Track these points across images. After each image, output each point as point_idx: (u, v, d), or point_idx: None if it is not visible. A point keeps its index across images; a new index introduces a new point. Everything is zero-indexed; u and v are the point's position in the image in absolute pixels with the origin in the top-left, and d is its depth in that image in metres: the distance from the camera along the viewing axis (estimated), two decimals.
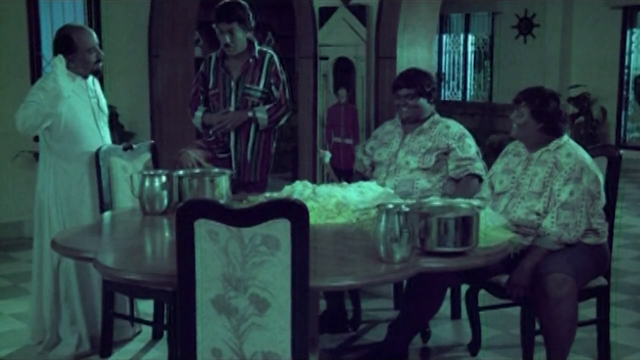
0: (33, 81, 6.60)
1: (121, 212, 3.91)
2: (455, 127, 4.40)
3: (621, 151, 3.89)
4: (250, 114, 4.74)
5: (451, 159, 4.31)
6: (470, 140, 4.36)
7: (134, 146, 4.31)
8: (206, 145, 4.82)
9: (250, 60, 4.77)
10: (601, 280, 3.78)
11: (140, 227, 3.62)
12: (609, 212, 3.79)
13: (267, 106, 4.77)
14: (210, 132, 4.85)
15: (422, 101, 4.37)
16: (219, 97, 4.79)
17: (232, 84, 4.76)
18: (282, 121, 4.88)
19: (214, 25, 4.71)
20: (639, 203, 8.23)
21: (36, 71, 6.65)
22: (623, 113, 10.91)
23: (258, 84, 4.77)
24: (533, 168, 3.69)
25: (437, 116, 4.45)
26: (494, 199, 3.80)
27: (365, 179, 4.48)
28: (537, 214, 3.61)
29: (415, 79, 4.37)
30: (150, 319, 4.23)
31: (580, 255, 3.57)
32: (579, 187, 3.53)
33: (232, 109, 4.77)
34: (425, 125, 4.40)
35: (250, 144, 4.81)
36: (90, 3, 6.92)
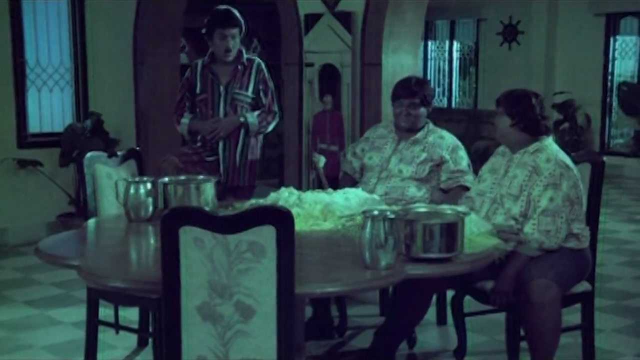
0: (17, 88, 6.59)
1: (106, 219, 3.88)
2: (449, 138, 4.41)
3: (605, 157, 3.90)
4: (242, 119, 4.76)
5: (444, 170, 4.32)
6: (462, 152, 4.37)
7: (119, 153, 4.29)
8: (192, 151, 4.82)
9: (239, 67, 4.78)
10: (585, 286, 3.78)
11: (125, 234, 3.60)
12: (593, 217, 3.80)
13: (256, 112, 4.80)
14: (198, 138, 4.84)
15: (423, 110, 4.37)
16: (207, 102, 4.80)
17: (221, 89, 4.77)
18: (270, 128, 4.92)
19: (216, 31, 4.70)
20: (624, 209, 8.28)
21: (20, 78, 6.64)
22: (607, 119, 10.95)
23: (247, 90, 4.81)
24: (513, 170, 3.69)
25: (431, 125, 4.45)
26: (477, 197, 3.80)
27: (354, 181, 4.49)
28: (515, 218, 3.61)
29: (419, 88, 4.35)
30: (135, 326, 4.20)
31: (563, 260, 3.57)
32: (558, 193, 3.53)
33: (221, 114, 4.78)
34: (420, 134, 4.39)
35: (239, 149, 4.84)
36: (74, 10, 6.90)
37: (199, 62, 4.90)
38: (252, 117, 4.80)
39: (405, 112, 4.34)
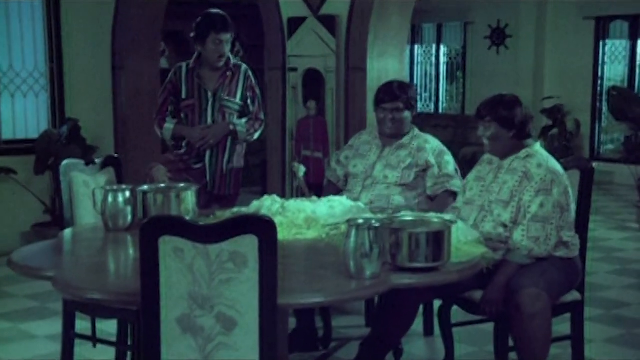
0: None
1: (83, 229, 3.82)
2: (435, 142, 4.38)
3: (595, 164, 3.89)
4: (231, 126, 4.74)
5: (429, 176, 4.28)
6: (449, 157, 4.34)
7: (97, 160, 4.21)
8: (178, 158, 4.75)
9: (228, 73, 4.74)
10: (575, 295, 3.75)
11: (103, 244, 3.55)
12: (583, 225, 3.77)
13: (244, 119, 4.79)
14: (183, 144, 4.77)
15: (407, 114, 4.32)
16: (194, 108, 4.75)
17: (209, 95, 4.72)
18: (256, 136, 4.93)
19: (211, 36, 4.63)
20: (614, 216, 8.28)
21: None
22: (597, 125, 10.97)
23: (235, 97, 4.80)
24: (503, 176, 3.67)
25: (416, 131, 4.41)
26: (464, 207, 3.77)
27: (338, 190, 4.43)
28: (504, 225, 3.57)
29: (402, 92, 4.31)
30: (114, 339, 4.11)
31: (553, 269, 3.54)
32: (549, 199, 3.51)
33: (209, 120, 4.75)
34: (405, 139, 4.35)
35: (226, 156, 4.84)
36: (49, 11, 6.79)
37: (183, 65, 4.84)
38: (241, 125, 4.78)
39: (389, 116, 4.30)
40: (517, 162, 3.65)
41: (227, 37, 4.68)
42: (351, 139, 4.65)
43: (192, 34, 4.78)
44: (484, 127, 3.70)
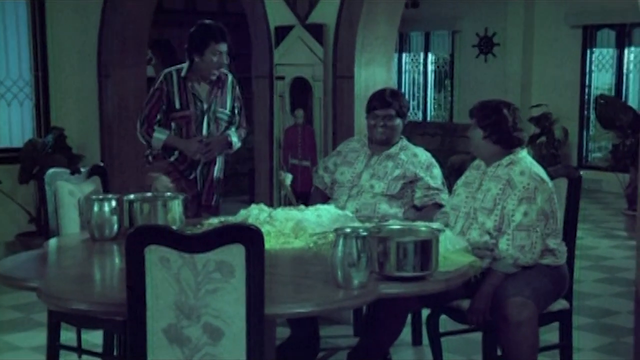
0: None
1: (68, 239, 3.79)
2: (423, 155, 4.38)
3: (583, 172, 3.88)
4: (228, 138, 4.78)
5: (419, 187, 4.27)
6: (437, 171, 4.35)
7: (83, 169, 4.18)
8: (172, 167, 4.72)
9: (219, 84, 4.76)
10: (563, 304, 3.75)
11: (89, 254, 3.52)
12: (570, 233, 3.77)
13: (234, 129, 4.83)
14: (174, 153, 4.73)
15: (399, 122, 4.32)
16: (189, 120, 4.69)
17: (205, 106, 4.70)
18: (239, 145, 4.94)
19: (210, 46, 4.61)
20: (602, 224, 8.29)
21: None
22: (585, 133, 11.00)
23: (225, 108, 4.82)
24: (487, 183, 3.66)
25: (405, 142, 4.42)
26: (451, 212, 3.77)
27: (326, 196, 4.41)
28: (489, 233, 3.56)
29: (394, 99, 4.32)
30: (99, 350, 4.08)
31: (540, 277, 3.53)
32: (533, 207, 3.50)
33: (204, 132, 4.74)
34: (393, 150, 4.35)
35: (217, 167, 4.87)
36: (34, 19, 6.75)
37: (173, 73, 4.77)
38: (235, 136, 4.82)
39: (380, 123, 4.30)
40: (501, 170, 3.64)
41: (225, 47, 4.67)
42: (339, 145, 4.65)
43: (186, 45, 4.72)
44: (471, 128, 3.72)
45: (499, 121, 3.63)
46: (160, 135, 4.71)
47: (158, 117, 4.72)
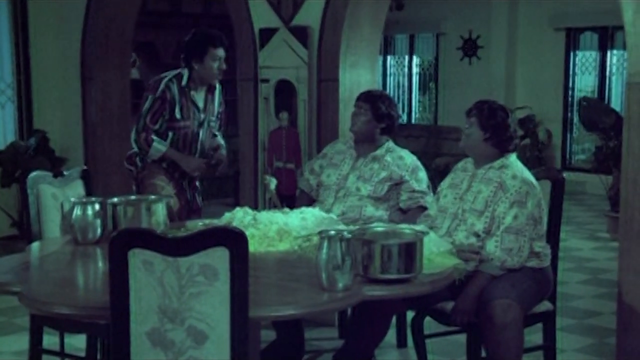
0: None
1: (51, 242, 3.77)
2: (409, 158, 4.37)
3: (566, 174, 3.90)
4: (223, 151, 4.81)
5: (404, 190, 4.27)
6: (422, 174, 4.35)
7: (66, 172, 4.15)
8: (169, 175, 4.68)
9: (212, 89, 4.73)
10: (547, 305, 3.76)
11: (72, 257, 3.50)
12: (554, 235, 3.79)
13: (220, 137, 4.84)
14: (165, 162, 4.69)
15: (371, 120, 4.29)
16: (188, 130, 4.64)
17: (202, 116, 4.68)
18: None
19: (210, 53, 4.55)
20: (585, 226, 8.31)
21: None
22: (568, 135, 11.05)
23: (214, 115, 4.80)
24: (477, 185, 3.67)
25: (391, 144, 4.41)
26: (438, 215, 3.77)
27: (311, 199, 4.40)
28: (477, 235, 3.57)
29: (373, 97, 4.34)
30: (83, 354, 4.04)
31: (525, 279, 3.54)
32: (523, 211, 3.52)
33: (201, 139, 4.71)
34: (379, 152, 4.34)
35: (199, 172, 4.82)
36: (16, 21, 6.71)
37: (173, 81, 4.60)
38: (224, 149, 4.83)
39: (355, 112, 4.33)
40: (492, 172, 3.65)
41: (224, 52, 4.62)
42: (325, 148, 4.64)
43: (183, 55, 4.62)
44: (467, 122, 3.72)
45: (502, 125, 3.65)
46: (160, 147, 4.57)
47: (157, 126, 4.58)
